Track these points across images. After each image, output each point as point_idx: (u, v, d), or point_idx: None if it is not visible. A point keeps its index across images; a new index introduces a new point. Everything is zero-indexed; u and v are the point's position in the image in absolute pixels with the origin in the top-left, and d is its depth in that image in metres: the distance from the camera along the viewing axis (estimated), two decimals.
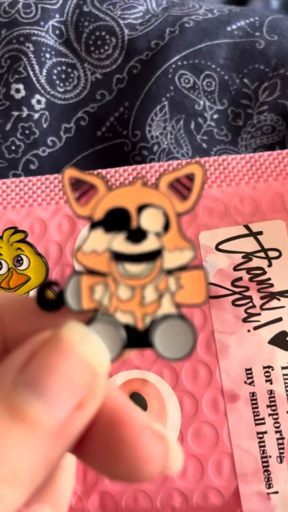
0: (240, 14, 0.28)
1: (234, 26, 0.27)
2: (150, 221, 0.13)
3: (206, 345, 0.22)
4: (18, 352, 0.11)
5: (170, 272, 0.13)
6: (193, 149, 0.27)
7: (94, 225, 0.13)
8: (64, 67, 0.28)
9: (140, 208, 0.13)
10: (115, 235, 0.13)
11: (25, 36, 0.27)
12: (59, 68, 0.28)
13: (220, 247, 0.23)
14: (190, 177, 0.13)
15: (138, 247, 0.13)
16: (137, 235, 0.13)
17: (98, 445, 0.11)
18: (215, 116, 0.27)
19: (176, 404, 0.21)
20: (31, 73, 0.27)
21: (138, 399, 0.21)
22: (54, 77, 0.28)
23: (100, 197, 0.13)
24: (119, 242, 0.13)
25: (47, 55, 0.27)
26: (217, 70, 0.27)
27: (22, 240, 0.23)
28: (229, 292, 0.22)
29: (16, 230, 0.23)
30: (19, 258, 0.23)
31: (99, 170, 0.24)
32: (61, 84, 0.28)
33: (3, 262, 0.23)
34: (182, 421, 0.21)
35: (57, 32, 0.28)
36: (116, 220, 0.13)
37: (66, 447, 0.11)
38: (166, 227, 0.13)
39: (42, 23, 0.27)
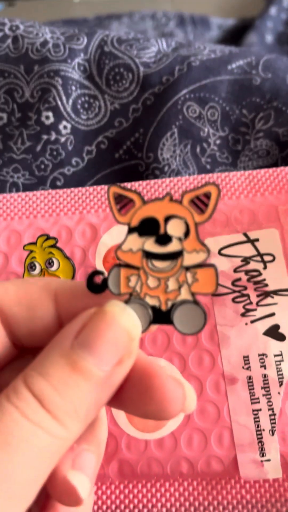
0: (239, 55, 0.32)
1: (234, 65, 0.31)
2: (174, 228, 0.17)
3: (210, 336, 0.25)
4: (73, 323, 0.15)
5: (188, 268, 0.17)
6: (199, 169, 0.31)
7: (131, 230, 0.17)
8: (87, 98, 0.32)
9: (167, 218, 0.17)
10: (146, 238, 0.17)
11: (55, 71, 0.31)
12: (83, 99, 0.32)
13: (222, 252, 0.26)
14: (207, 195, 0.16)
15: (164, 248, 0.17)
16: (164, 239, 0.17)
17: (134, 392, 0.15)
18: (218, 142, 0.31)
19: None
20: (59, 102, 0.31)
21: None
22: (79, 106, 0.32)
23: (136, 208, 0.17)
24: (150, 244, 0.17)
25: (73, 88, 0.32)
26: (220, 102, 0.31)
27: (53, 245, 0.26)
28: (230, 290, 0.26)
29: (48, 237, 0.27)
30: (50, 261, 0.26)
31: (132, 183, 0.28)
32: (85, 113, 0.32)
33: (36, 264, 0.26)
34: None
35: (82, 68, 0.32)
36: (148, 227, 0.17)
37: (110, 394, 0.15)
38: (187, 233, 0.17)
39: (69, 61, 0.32)
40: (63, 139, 0.31)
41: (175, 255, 0.17)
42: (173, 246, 0.16)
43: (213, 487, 0.24)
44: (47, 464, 0.14)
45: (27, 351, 0.17)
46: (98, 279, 0.16)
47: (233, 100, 0.31)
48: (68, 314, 0.16)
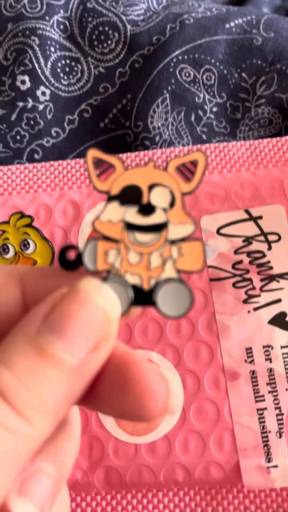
0: (237, 13, 0.28)
1: (232, 24, 0.28)
2: (158, 198, 0.15)
3: (208, 325, 0.22)
4: (41, 304, 0.12)
5: (173, 242, 0.15)
6: (194, 140, 0.28)
7: (110, 198, 0.15)
8: (68, 61, 0.28)
9: (151, 187, 0.15)
10: (128, 208, 0.15)
11: (31, 30, 0.28)
12: (63, 62, 0.28)
13: (221, 231, 0.23)
14: (194, 163, 0.15)
15: (148, 220, 0.15)
16: (147, 209, 0.15)
17: (110, 385, 0.12)
18: (215, 109, 0.28)
19: (179, 383, 0.21)
20: (36, 65, 0.28)
21: None
22: (59, 70, 0.28)
23: (117, 175, 0.15)
24: (132, 214, 0.15)
25: (52, 49, 0.28)
26: (216, 65, 0.28)
27: (29, 225, 0.23)
28: (230, 274, 0.23)
29: (22, 215, 0.23)
30: (25, 242, 0.23)
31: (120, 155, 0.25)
32: (65, 77, 0.28)
33: (10, 246, 0.23)
34: (185, 398, 0.21)
35: (62, 27, 0.28)
36: (130, 196, 0.15)
37: (84, 385, 0.12)
38: (172, 204, 0.15)
39: (47, 18, 0.28)
40: (41, 107, 0.28)
41: (159, 227, 0.15)
42: (157, 217, 0.15)
43: (212, 497, 0.21)
44: (11, 470, 0.11)
45: None
46: (72, 254, 0.14)
47: (232, 62, 0.28)
48: (36, 299, 0.13)
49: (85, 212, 0.24)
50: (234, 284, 0.23)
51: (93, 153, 0.15)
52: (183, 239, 0.15)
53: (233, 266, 0.23)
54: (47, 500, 0.13)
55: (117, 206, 0.15)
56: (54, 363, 0.11)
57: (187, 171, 0.15)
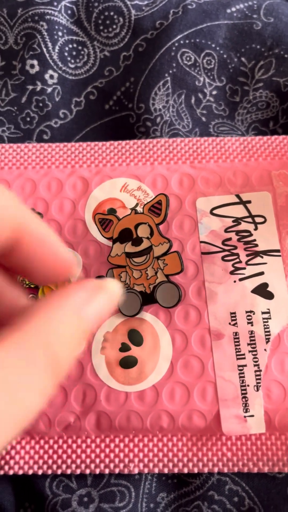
0: None
1: (233, 9, 0.33)
2: (142, 232, 0.27)
3: (197, 292, 0.28)
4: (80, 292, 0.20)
5: (158, 257, 0.27)
6: (193, 122, 0.33)
7: (114, 240, 0.28)
8: (75, 45, 0.34)
9: (136, 226, 0.27)
10: (125, 243, 0.27)
11: (40, 15, 0.33)
12: (70, 46, 0.34)
13: (214, 211, 0.29)
14: (159, 203, 0.27)
15: (139, 248, 0.27)
16: (137, 241, 0.27)
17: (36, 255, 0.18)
18: (214, 92, 0.33)
19: (169, 340, 0.27)
20: (44, 49, 0.34)
21: (135, 334, 0.27)
22: (66, 54, 0.34)
23: (115, 225, 0.28)
24: (128, 247, 0.27)
25: (60, 33, 0.34)
26: (217, 49, 0.33)
27: None
28: (220, 249, 0.28)
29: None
30: None
31: (128, 142, 0.31)
32: (72, 61, 0.34)
33: None
34: (173, 354, 0.27)
35: (69, 12, 0.34)
36: (125, 236, 0.27)
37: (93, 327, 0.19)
38: (152, 233, 0.27)
39: (55, 3, 0.34)
40: (49, 90, 0.34)
41: (147, 251, 0.27)
42: (144, 245, 0.27)
43: (193, 443, 0.27)
44: None
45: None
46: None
47: (231, 46, 0.33)
48: None
49: (93, 188, 0.30)
50: (222, 258, 0.28)
51: (98, 216, 0.28)
52: (164, 254, 0.27)
53: (223, 242, 0.28)
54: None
55: (119, 244, 0.27)
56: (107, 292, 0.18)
57: (156, 209, 0.27)
